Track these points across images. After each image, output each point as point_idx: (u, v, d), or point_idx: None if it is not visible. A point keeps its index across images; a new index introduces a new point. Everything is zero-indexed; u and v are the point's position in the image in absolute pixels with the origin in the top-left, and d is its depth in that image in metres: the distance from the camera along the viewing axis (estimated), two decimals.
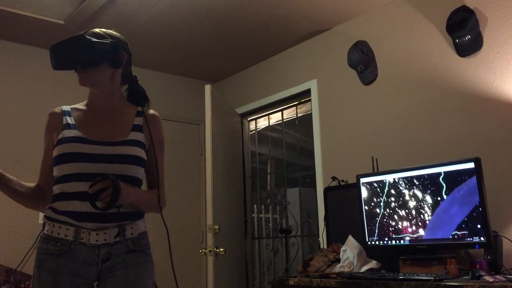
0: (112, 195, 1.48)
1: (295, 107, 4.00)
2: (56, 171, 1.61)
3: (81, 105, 1.75)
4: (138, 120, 1.73)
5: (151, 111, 1.78)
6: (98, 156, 1.59)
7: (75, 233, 1.54)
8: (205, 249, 3.24)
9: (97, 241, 1.55)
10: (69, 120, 1.68)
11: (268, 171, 4.35)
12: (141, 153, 1.67)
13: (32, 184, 1.68)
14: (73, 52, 1.59)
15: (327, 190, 3.11)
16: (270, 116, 4.24)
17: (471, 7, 2.70)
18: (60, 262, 1.53)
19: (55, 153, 1.61)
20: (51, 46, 1.60)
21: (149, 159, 1.71)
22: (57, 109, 1.71)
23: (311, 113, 3.67)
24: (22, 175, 3.35)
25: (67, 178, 1.57)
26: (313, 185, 3.60)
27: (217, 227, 3.27)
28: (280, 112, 4.14)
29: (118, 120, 1.71)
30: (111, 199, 1.48)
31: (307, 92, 3.72)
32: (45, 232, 1.58)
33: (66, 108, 1.72)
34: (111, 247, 1.57)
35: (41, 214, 3.41)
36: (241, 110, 4.28)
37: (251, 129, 4.41)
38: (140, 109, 1.75)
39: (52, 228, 1.56)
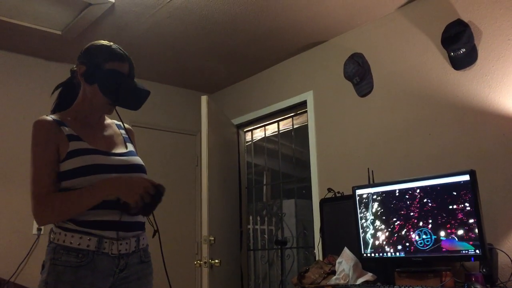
0: (156, 201, 1.56)
1: (291, 119, 4.01)
2: (77, 183, 1.54)
3: (67, 116, 1.67)
4: (124, 133, 1.81)
5: (127, 126, 1.85)
6: (119, 167, 1.62)
7: (97, 243, 1.53)
8: (200, 260, 3.22)
9: (119, 251, 1.57)
10: (69, 131, 1.61)
11: (264, 182, 4.35)
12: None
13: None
14: None
15: (322, 202, 3.10)
16: (266, 127, 4.25)
17: (466, 20, 2.72)
18: (79, 274, 1.50)
19: (73, 165, 1.55)
20: None
21: None
22: (48, 118, 1.61)
23: (307, 124, 3.68)
24: (19, 186, 3.36)
25: None
26: (309, 197, 3.59)
27: (213, 238, 3.25)
28: (276, 123, 4.15)
29: (109, 132, 1.76)
30: (152, 205, 1.55)
31: (303, 104, 3.73)
32: (60, 243, 1.52)
33: (56, 118, 1.63)
34: (128, 257, 1.61)
35: (35, 225, 3.39)
36: (237, 121, 4.29)
37: (247, 140, 4.41)
38: (119, 122, 1.82)
39: (71, 239, 1.52)
